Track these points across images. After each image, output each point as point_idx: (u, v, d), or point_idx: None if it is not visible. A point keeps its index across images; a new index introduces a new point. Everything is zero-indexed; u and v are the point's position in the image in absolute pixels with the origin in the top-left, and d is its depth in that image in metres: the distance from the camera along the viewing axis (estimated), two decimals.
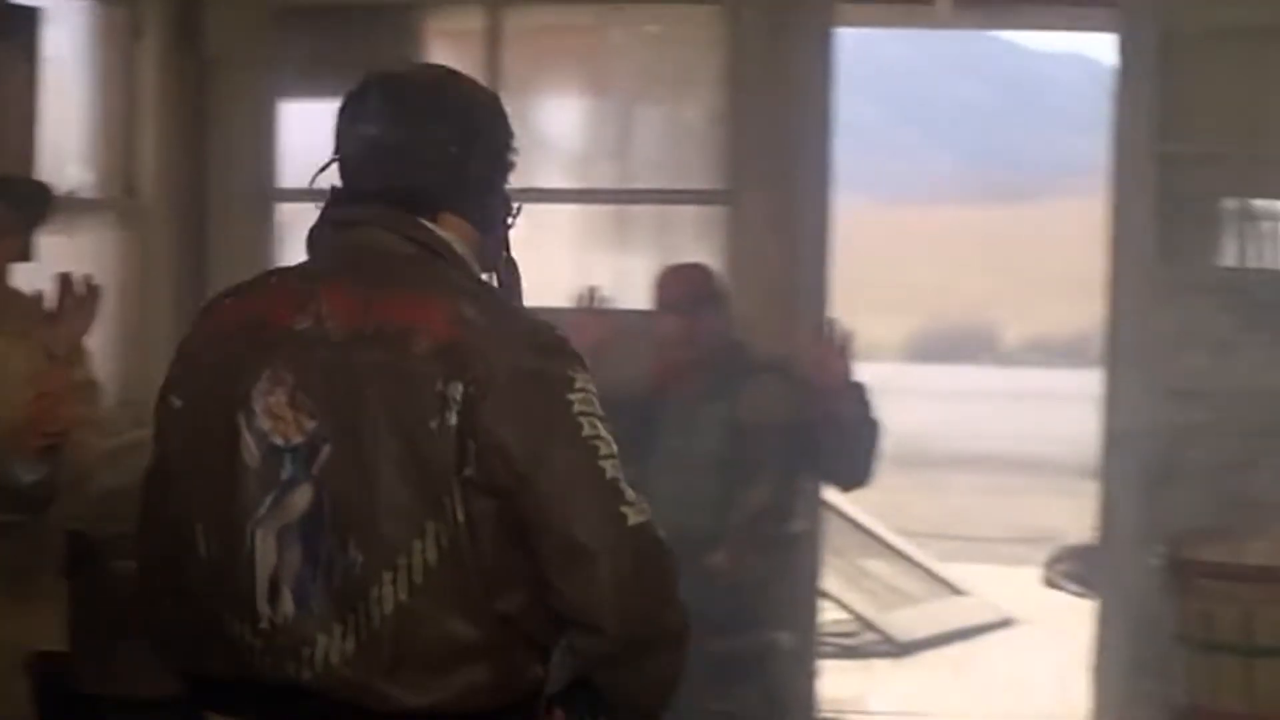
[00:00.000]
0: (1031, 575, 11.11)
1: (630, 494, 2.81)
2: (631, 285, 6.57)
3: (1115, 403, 7.05)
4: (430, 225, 2.94)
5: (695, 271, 5.91)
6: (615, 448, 2.83)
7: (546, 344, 2.85)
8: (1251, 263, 7.14)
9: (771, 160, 6.97)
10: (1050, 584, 10.91)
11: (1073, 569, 10.65)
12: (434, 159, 2.94)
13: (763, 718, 5.67)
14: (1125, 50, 7.01)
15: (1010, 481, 18.23)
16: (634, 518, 2.80)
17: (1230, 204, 7.21)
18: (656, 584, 2.85)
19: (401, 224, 2.93)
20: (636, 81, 7.46)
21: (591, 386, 2.85)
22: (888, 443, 5.61)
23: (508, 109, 3.08)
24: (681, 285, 5.80)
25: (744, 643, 5.54)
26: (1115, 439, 7.05)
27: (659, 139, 7.45)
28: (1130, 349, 7.00)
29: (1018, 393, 27.15)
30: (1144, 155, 6.97)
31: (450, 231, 2.96)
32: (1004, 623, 9.89)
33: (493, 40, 7.24)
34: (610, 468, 2.81)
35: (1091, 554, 7.68)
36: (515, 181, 7.13)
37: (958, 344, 37.89)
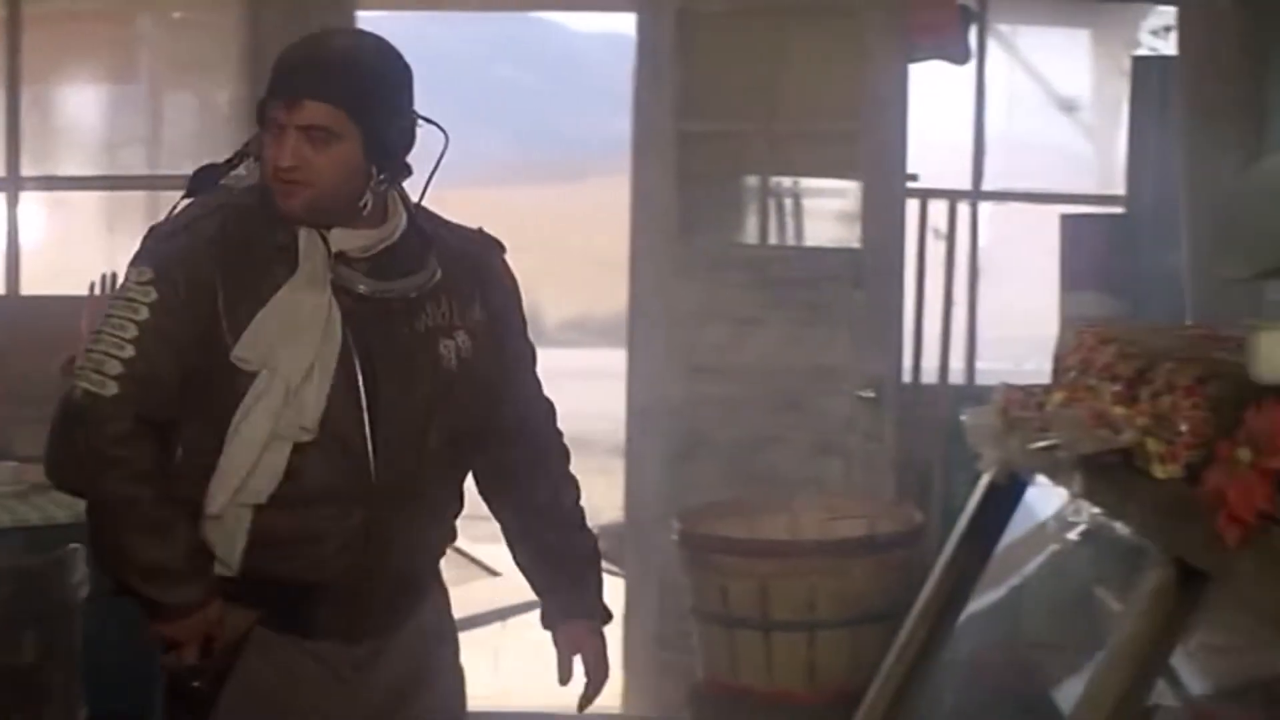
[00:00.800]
0: None
1: (83, 364, 3.21)
2: None
3: (638, 379, 7.09)
4: None
5: None
6: (121, 331, 3.20)
7: None
8: (772, 240, 7.23)
9: None
10: None
11: (604, 547, 10.69)
12: None
13: None
14: (644, 28, 7.04)
15: None
16: (75, 386, 3.21)
17: (751, 181, 7.30)
18: (62, 444, 3.24)
19: None
20: (164, 67, 7.43)
21: (138, 284, 3.26)
22: None
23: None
24: None
25: None
26: (638, 415, 7.09)
27: (188, 124, 7.43)
28: (652, 326, 7.04)
29: (559, 372, 27.21)
30: (665, 133, 7.02)
31: None
32: (537, 602, 9.88)
33: (13, 27, 7.03)
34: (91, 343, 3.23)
35: (620, 531, 7.70)
36: (36, 170, 6.78)
37: None
